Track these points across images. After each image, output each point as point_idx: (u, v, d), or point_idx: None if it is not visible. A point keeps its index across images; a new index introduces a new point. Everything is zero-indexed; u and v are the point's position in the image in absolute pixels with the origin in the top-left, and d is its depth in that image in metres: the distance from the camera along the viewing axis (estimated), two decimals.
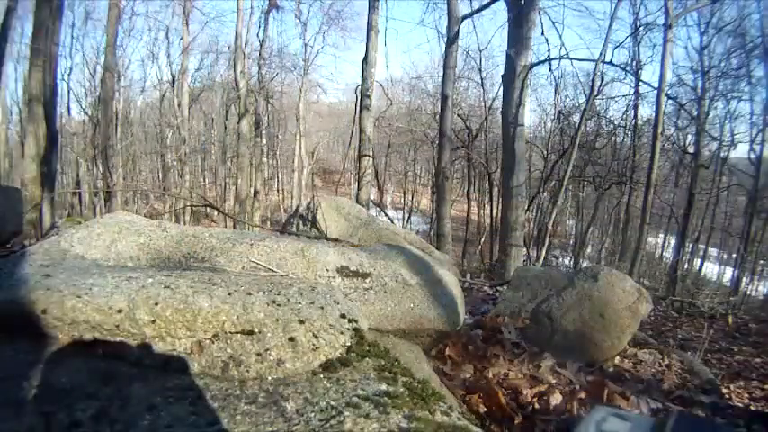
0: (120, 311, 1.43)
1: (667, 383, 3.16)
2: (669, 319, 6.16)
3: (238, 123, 15.14)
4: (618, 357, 3.41)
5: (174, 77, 19.34)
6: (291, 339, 1.47)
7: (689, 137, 16.36)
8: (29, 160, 7.31)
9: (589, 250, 20.77)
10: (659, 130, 9.87)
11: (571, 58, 11.68)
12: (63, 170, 18.12)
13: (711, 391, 3.16)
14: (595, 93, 12.57)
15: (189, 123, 19.90)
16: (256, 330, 1.47)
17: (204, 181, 26.63)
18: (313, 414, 1.20)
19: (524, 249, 11.52)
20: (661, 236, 20.94)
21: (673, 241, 18.39)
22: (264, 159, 23.42)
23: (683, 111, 13.80)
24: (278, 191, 28.11)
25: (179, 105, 18.84)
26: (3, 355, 1.34)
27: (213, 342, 1.46)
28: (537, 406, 2.34)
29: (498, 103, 13.26)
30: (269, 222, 20.04)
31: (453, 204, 16.32)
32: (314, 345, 1.49)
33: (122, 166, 18.47)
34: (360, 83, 11.31)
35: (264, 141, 22.26)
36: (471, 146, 16.85)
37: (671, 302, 7.02)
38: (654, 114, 10.56)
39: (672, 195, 17.92)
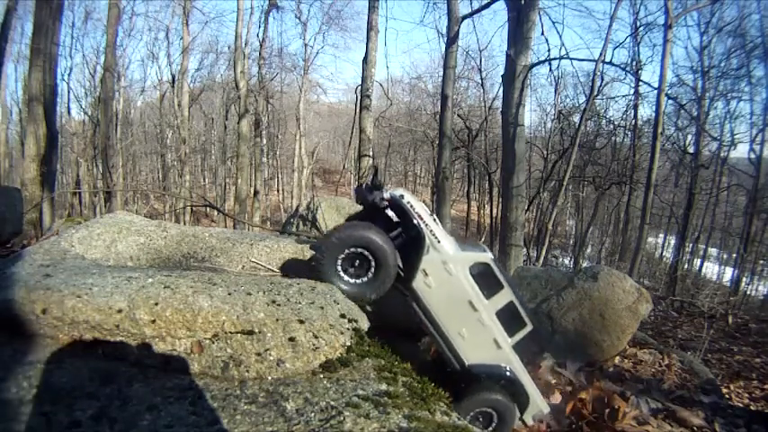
0: (120, 311, 1.43)
1: (667, 383, 3.17)
2: (669, 319, 6.16)
3: (238, 123, 15.12)
4: (618, 357, 3.42)
5: (174, 77, 19.34)
6: (291, 339, 1.47)
7: (689, 137, 16.38)
8: (29, 160, 7.31)
9: (589, 250, 20.76)
10: (659, 130, 9.87)
11: (571, 58, 11.65)
12: (63, 170, 18.15)
13: (711, 391, 3.16)
14: (595, 93, 12.56)
15: (189, 123, 19.87)
16: (256, 330, 1.47)
17: (204, 181, 26.64)
18: (313, 414, 1.20)
19: (524, 249, 11.50)
20: (661, 236, 20.92)
21: (673, 241, 18.39)
22: (264, 159, 23.42)
23: (683, 111, 13.80)
24: (278, 191, 28.11)
25: (179, 105, 18.83)
26: (3, 355, 1.34)
27: (213, 342, 1.46)
28: None
29: (498, 103, 13.27)
30: (269, 222, 20.03)
31: (453, 204, 16.29)
32: (314, 345, 1.49)
33: (122, 166, 18.47)
34: (360, 83, 11.33)
35: (264, 141, 22.27)
36: (471, 146, 16.85)
37: (671, 302, 7.02)
38: (654, 114, 10.58)
39: (672, 195, 17.91)
